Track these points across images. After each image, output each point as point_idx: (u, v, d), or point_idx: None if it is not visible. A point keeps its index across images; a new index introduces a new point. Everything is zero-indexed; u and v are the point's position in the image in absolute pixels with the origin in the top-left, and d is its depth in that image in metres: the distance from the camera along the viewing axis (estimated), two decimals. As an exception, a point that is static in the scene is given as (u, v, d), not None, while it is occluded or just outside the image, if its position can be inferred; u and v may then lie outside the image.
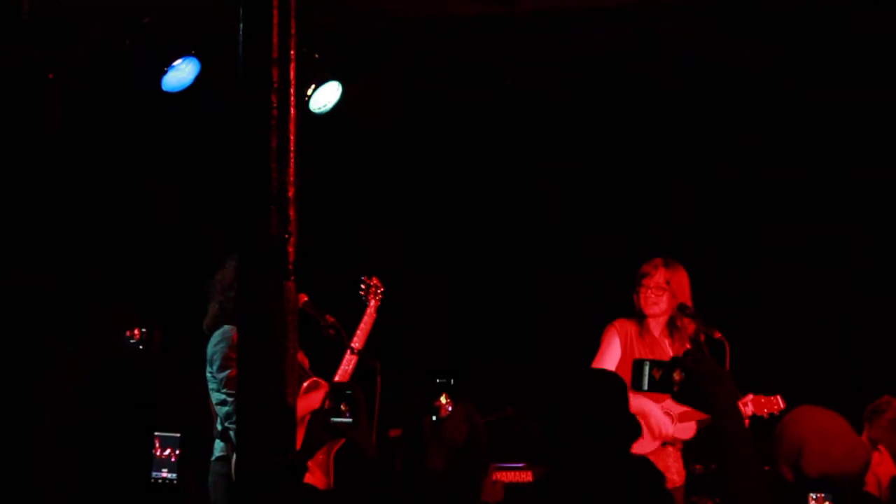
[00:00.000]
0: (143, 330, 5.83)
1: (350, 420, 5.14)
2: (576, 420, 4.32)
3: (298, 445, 4.91)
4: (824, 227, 8.51)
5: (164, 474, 4.87)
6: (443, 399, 4.76)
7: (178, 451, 4.91)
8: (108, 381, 6.50)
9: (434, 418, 4.67)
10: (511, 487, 6.54)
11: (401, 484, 4.52)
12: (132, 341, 5.75)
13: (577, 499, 4.21)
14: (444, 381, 4.78)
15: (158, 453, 4.87)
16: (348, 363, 7.03)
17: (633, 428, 4.44)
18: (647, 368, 4.37)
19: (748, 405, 7.00)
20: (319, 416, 5.40)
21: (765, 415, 7.02)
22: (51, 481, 5.42)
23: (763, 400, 7.05)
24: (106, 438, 6.49)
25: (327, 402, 5.54)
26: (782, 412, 6.93)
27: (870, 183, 8.41)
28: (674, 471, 7.16)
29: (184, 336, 6.94)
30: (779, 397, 7.06)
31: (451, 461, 4.58)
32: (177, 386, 7.15)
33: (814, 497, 4.21)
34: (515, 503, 4.38)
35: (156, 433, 4.95)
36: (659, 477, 4.39)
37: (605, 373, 4.88)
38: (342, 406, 5.17)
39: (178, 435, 4.98)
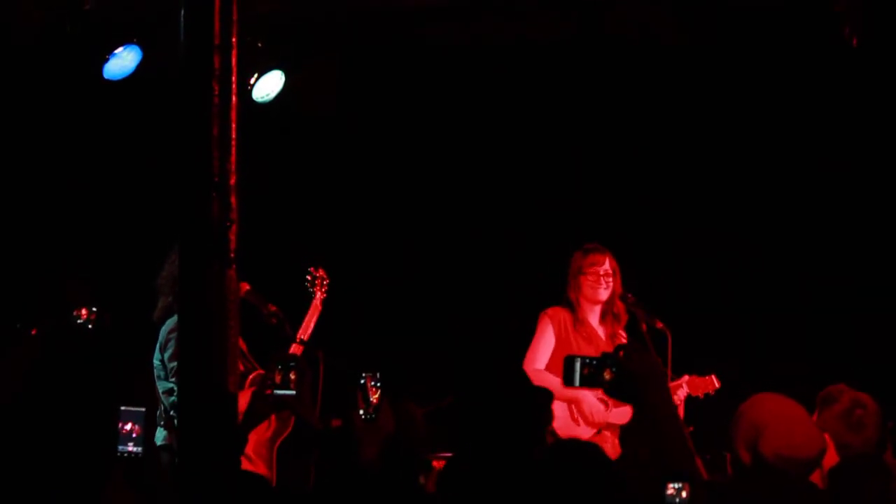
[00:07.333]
0: (94, 310, 5.81)
1: (293, 392, 5.15)
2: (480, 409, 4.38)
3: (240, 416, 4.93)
4: (761, 207, 8.54)
5: (130, 448, 4.88)
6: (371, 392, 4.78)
7: (140, 427, 4.93)
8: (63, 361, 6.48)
9: (361, 412, 4.69)
10: None
11: (338, 475, 4.55)
12: (80, 321, 5.73)
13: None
14: (371, 373, 4.81)
15: (123, 428, 4.88)
16: (294, 353, 7.01)
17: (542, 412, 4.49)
18: (577, 365, 4.42)
19: (683, 386, 7.03)
20: (262, 388, 5.41)
21: (700, 395, 7.05)
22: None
23: (698, 380, 7.08)
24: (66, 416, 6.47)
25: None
26: (718, 392, 7.00)
27: (797, 158, 8.45)
28: (611, 457, 7.15)
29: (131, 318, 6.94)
30: (713, 377, 7.10)
31: (383, 451, 4.61)
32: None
33: (673, 486, 4.25)
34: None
35: (122, 407, 4.95)
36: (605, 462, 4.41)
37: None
38: (291, 375, 5.18)
39: (143, 410, 4.99)
